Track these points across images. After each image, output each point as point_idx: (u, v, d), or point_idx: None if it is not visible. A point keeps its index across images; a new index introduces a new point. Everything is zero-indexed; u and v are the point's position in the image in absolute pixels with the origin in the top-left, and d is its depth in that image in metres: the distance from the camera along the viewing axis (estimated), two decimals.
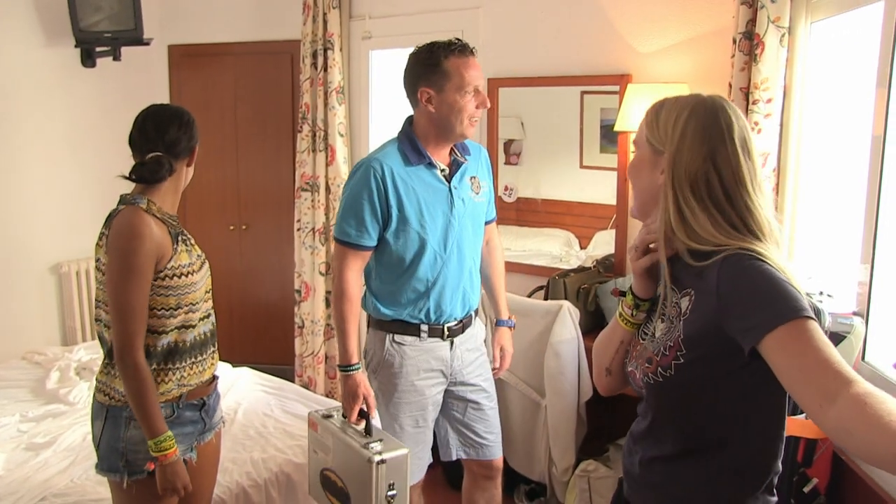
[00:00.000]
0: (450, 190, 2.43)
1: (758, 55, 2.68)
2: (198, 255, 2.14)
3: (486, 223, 2.64)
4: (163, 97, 4.89)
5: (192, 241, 2.16)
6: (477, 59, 2.37)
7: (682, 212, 1.35)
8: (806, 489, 2.23)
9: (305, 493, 2.84)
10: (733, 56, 2.79)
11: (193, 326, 2.08)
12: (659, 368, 1.38)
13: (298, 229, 4.53)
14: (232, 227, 5.02)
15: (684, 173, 1.35)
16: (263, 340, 5.06)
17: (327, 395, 4.51)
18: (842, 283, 2.47)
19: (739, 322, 1.24)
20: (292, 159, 4.59)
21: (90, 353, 3.87)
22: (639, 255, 1.46)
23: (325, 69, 4.29)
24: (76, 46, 4.31)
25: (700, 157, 1.34)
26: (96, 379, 2.09)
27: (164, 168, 2.02)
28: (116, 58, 4.41)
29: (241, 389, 3.54)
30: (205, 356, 2.14)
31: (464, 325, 2.54)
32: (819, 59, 2.71)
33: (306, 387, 4.51)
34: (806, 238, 2.78)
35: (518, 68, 3.77)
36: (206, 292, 2.16)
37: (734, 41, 2.78)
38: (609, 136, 3.51)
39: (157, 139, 2.03)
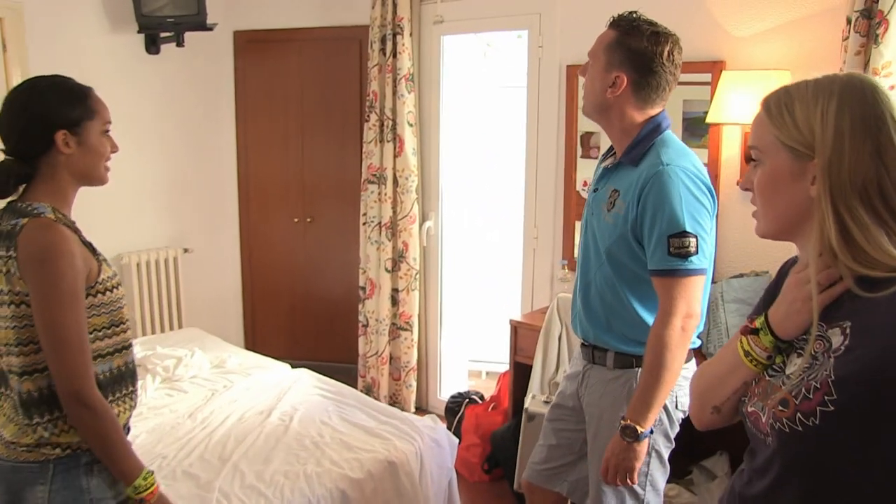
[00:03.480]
0: (594, 190, 2.16)
1: (879, 35, 2.44)
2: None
3: (651, 273, 1.95)
4: (227, 84, 4.79)
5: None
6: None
7: (849, 229, 1.10)
8: None
9: None
10: (846, 38, 2.55)
11: (129, 347, 1.77)
12: (799, 415, 1.12)
13: (364, 223, 4.35)
14: (296, 220, 4.88)
15: (848, 180, 1.10)
16: (326, 338, 4.92)
17: (391, 400, 4.31)
18: None
19: None
20: (359, 150, 4.42)
21: (144, 349, 3.75)
22: (819, 290, 1.15)
23: (395, 55, 4.08)
24: (139, 32, 4.23)
25: (865, 156, 1.10)
26: (8, 443, 1.66)
27: (8, 179, 1.67)
28: (180, 44, 4.32)
29: (299, 393, 3.37)
30: (131, 389, 1.80)
31: (587, 350, 2.19)
32: None
33: (369, 388, 4.34)
34: None
35: None
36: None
37: (848, 21, 2.54)
38: (692, 128, 3.23)
39: (3, 138, 1.69)
